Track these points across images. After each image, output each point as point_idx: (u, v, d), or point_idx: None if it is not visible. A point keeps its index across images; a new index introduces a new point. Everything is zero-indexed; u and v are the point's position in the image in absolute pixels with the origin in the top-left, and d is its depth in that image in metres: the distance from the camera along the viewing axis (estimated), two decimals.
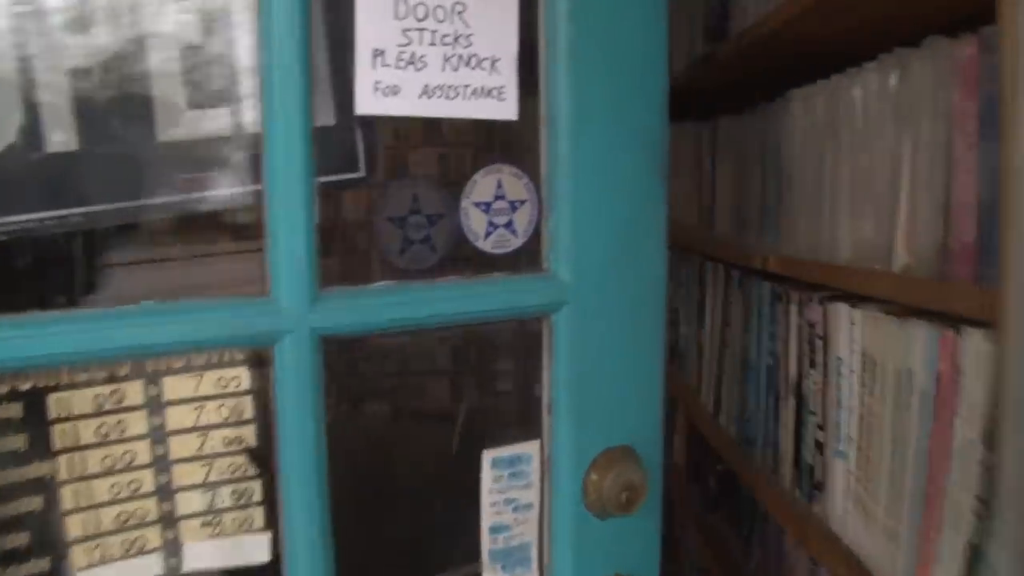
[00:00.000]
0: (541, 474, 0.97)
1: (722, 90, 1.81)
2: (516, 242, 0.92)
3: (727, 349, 1.67)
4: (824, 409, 1.19)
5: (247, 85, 0.81)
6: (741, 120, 1.63)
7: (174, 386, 0.82)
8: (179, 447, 0.83)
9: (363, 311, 0.84)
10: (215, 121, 0.81)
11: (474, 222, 0.90)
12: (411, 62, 0.82)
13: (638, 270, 0.95)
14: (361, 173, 0.87)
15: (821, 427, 1.20)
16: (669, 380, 2.02)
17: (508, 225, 0.92)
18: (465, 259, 0.91)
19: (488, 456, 0.95)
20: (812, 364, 1.22)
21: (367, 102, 0.82)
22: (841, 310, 1.13)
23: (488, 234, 0.91)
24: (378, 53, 0.81)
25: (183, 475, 0.84)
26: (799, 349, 1.28)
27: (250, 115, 0.81)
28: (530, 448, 0.97)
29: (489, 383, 1.17)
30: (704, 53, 1.70)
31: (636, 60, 0.91)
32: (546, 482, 0.97)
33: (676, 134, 2.15)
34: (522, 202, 0.91)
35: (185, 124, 0.80)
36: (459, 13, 0.84)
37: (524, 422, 0.97)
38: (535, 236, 0.92)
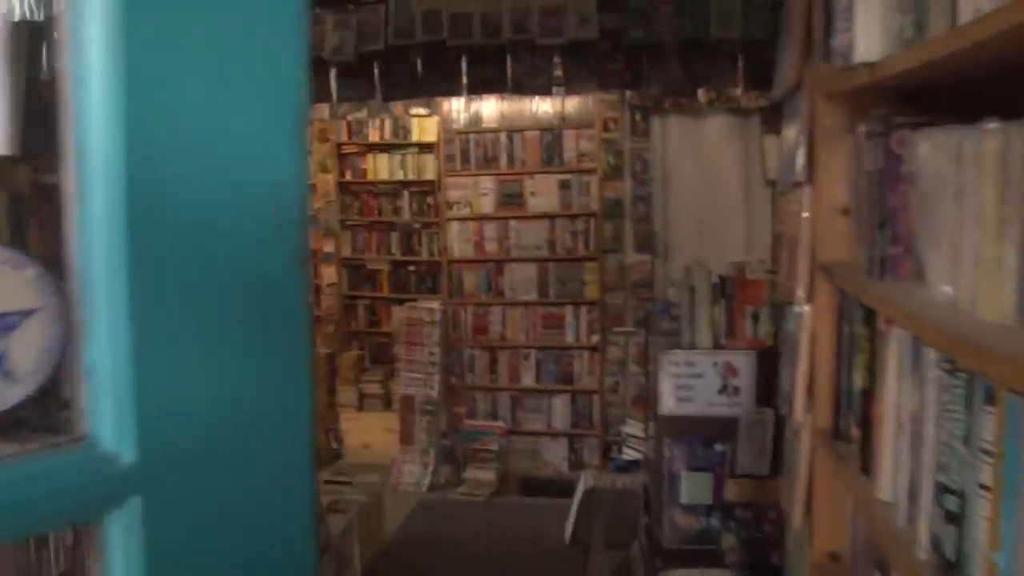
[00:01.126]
0: None
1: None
2: (16, 391, 0.48)
3: None
4: None
5: None
6: None
7: None
8: None
9: None
10: None
11: None
12: None
13: (267, 429, 0.54)
14: None
15: None
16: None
17: None
18: None
19: None
20: None
21: None
22: None
23: None
24: None
25: None
26: None
27: None
28: None
29: None
30: None
31: (253, 39, 0.51)
32: None
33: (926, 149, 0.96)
34: (27, 314, 0.48)
35: None
36: None
37: None
38: (60, 376, 0.49)
